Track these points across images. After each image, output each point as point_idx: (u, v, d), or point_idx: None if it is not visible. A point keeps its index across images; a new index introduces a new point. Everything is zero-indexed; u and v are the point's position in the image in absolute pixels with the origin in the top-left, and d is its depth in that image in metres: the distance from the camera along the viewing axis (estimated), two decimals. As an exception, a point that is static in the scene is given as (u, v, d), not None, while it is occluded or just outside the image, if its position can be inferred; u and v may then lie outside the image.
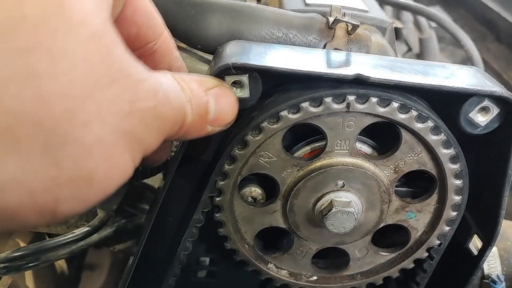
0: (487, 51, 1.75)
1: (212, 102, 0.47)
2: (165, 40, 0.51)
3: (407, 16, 1.67)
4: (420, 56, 1.56)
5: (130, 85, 0.36)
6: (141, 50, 0.50)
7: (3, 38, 0.29)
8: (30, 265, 0.73)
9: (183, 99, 0.43)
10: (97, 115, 0.33)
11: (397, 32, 1.61)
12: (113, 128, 0.35)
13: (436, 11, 1.61)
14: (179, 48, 0.81)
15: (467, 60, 1.29)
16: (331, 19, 0.63)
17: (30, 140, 0.31)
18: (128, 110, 0.35)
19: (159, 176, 0.79)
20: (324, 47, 0.64)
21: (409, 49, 1.64)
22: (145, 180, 0.87)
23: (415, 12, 1.35)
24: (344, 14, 0.64)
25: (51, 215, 0.34)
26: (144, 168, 0.72)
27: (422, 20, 1.49)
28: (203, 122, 0.47)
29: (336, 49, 0.64)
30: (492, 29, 1.83)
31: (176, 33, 0.63)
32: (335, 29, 0.64)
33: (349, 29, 0.64)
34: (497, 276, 0.78)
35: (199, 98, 0.45)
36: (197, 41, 0.64)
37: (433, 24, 1.54)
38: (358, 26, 0.63)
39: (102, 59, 0.34)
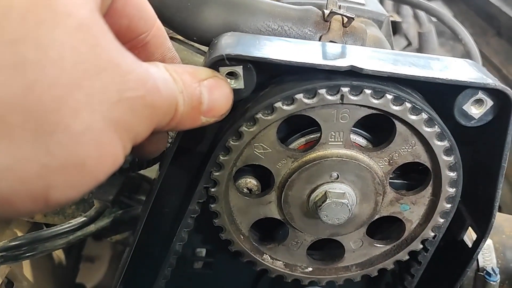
0: (487, 45, 1.75)
1: (205, 93, 0.48)
2: (158, 31, 0.52)
3: (407, 10, 1.67)
4: (419, 50, 1.56)
5: (118, 75, 0.36)
6: (134, 41, 0.50)
7: None
8: (27, 255, 0.74)
9: (175, 90, 0.43)
10: (86, 103, 0.34)
11: (397, 27, 1.61)
12: (102, 116, 0.35)
13: (437, 6, 1.60)
14: (176, 40, 0.81)
15: (467, 55, 1.29)
16: (326, 12, 0.63)
17: (20, 128, 0.31)
18: (117, 99, 0.36)
19: (156, 167, 0.79)
20: (320, 39, 0.65)
21: (409, 44, 1.64)
22: (142, 172, 0.87)
23: (414, 6, 1.35)
24: (339, 7, 0.65)
25: (44, 202, 0.34)
26: (140, 159, 0.73)
27: (422, 14, 1.49)
28: (196, 113, 0.47)
29: (331, 41, 0.64)
30: (492, 24, 1.83)
31: (172, 25, 0.64)
32: (330, 22, 0.64)
33: (345, 21, 0.64)
34: (492, 269, 0.79)
35: (191, 89, 0.46)
36: (193, 33, 0.64)
37: (434, 19, 1.54)
38: (353, 18, 0.63)
39: (89, 49, 0.34)
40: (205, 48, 0.73)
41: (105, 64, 0.35)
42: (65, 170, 0.34)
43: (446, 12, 1.30)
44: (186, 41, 0.81)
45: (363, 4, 0.81)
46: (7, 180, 0.32)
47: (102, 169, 0.37)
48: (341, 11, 0.62)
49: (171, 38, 0.76)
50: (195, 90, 0.46)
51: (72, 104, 0.33)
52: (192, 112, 0.46)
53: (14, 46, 0.31)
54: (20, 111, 0.31)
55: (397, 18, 1.59)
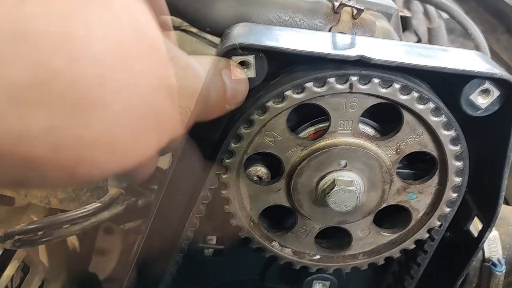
0: (497, 42, 1.75)
1: (227, 81, 0.49)
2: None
3: (417, 6, 1.67)
4: (429, 46, 1.56)
5: (160, 61, 0.37)
6: None
7: (43, 2, 0.31)
8: (43, 239, 0.76)
9: (207, 80, 0.44)
10: (127, 85, 0.35)
11: (407, 22, 1.61)
12: (142, 100, 0.36)
13: (447, 2, 1.60)
14: (189, 32, 0.83)
15: (476, 49, 1.29)
16: (336, 4, 0.65)
17: (62, 97, 0.32)
18: (158, 85, 0.37)
19: (168, 157, 0.81)
20: (330, 31, 0.66)
21: (419, 40, 1.64)
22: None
23: (423, 1, 1.35)
24: (349, -1, 0.66)
25: (70, 174, 0.35)
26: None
27: (431, 9, 1.49)
28: (223, 101, 0.49)
29: (341, 32, 0.65)
30: (502, 21, 1.82)
31: (186, 16, 0.65)
32: (340, 14, 0.66)
33: (354, 13, 0.66)
34: (498, 259, 0.80)
35: (217, 79, 0.47)
36: (206, 24, 0.66)
37: (445, 16, 1.54)
38: (363, 10, 0.64)
39: (133, 33, 0.35)
40: (217, 40, 0.75)
41: (147, 49, 0.36)
42: (96, 146, 0.35)
43: (455, 7, 1.30)
44: (199, 33, 0.83)
45: (372, -3, 0.82)
46: (40, 144, 0.32)
47: (131, 155, 0.37)
48: (351, 3, 0.64)
49: (185, 30, 0.78)
50: (220, 79, 0.48)
51: (114, 83, 0.34)
52: (220, 100, 0.47)
53: (63, 19, 0.32)
54: (64, 81, 0.32)
55: (407, 14, 1.59)
